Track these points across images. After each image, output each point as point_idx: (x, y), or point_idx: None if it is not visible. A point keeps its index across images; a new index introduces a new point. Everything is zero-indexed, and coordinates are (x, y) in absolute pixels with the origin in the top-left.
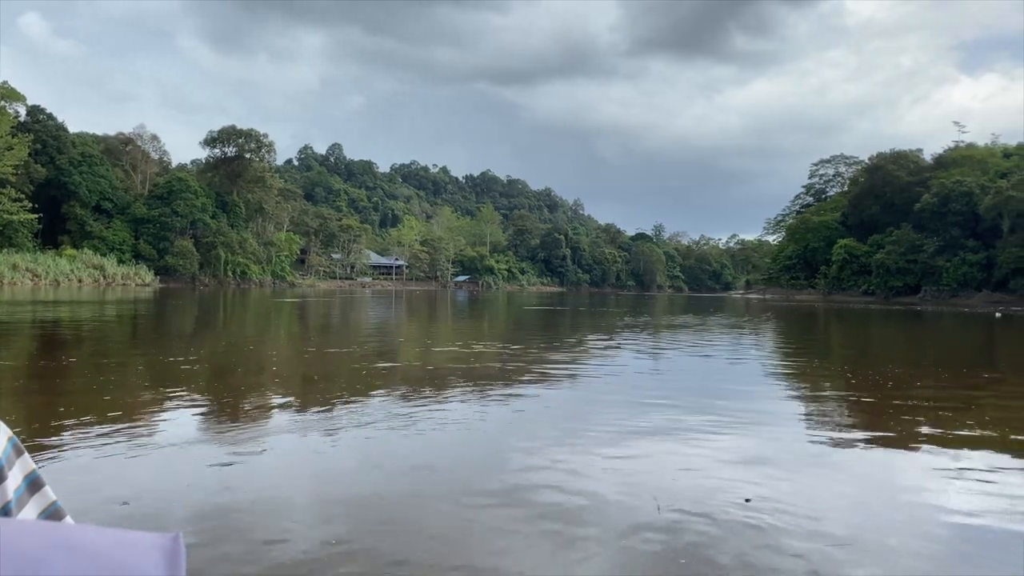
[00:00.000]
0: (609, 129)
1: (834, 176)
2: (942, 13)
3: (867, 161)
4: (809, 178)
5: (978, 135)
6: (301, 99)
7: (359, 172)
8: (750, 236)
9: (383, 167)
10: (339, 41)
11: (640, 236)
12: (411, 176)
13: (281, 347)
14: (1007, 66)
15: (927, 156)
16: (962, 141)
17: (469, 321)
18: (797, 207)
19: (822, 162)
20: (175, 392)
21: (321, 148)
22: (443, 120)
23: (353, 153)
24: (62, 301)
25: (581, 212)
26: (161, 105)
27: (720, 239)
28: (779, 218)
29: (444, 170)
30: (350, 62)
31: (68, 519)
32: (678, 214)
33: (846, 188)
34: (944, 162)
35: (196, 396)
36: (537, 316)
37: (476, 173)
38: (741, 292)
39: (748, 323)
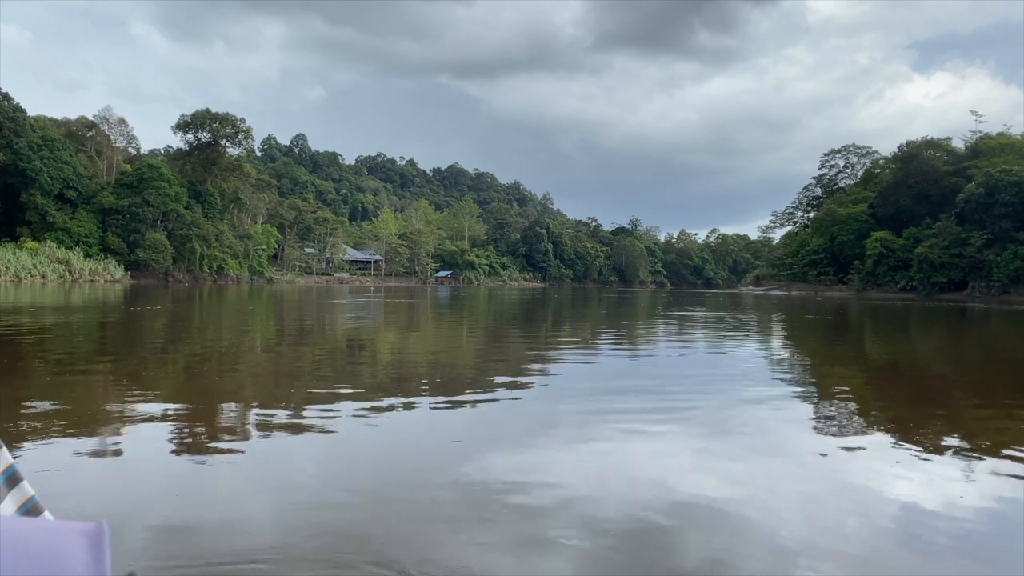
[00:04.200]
0: (570, 124)
1: (844, 167)
2: (899, 12)
3: (894, 151)
4: (819, 169)
5: (932, 131)
6: (259, 90)
7: (324, 164)
8: (728, 231)
9: (348, 160)
10: (299, 31)
11: (621, 230)
12: (377, 168)
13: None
14: (958, 65)
15: (957, 145)
16: (979, 131)
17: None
18: (807, 199)
19: (832, 152)
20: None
21: (282, 140)
22: (403, 114)
23: (314, 146)
24: (23, 306)
25: (550, 206)
26: (112, 95)
27: (697, 234)
28: (788, 211)
29: (411, 163)
30: (310, 53)
31: (47, 514)
32: (638, 210)
33: (859, 179)
34: (980, 151)
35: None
36: (554, 325)
37: (443, 167)
38: (761, 289)
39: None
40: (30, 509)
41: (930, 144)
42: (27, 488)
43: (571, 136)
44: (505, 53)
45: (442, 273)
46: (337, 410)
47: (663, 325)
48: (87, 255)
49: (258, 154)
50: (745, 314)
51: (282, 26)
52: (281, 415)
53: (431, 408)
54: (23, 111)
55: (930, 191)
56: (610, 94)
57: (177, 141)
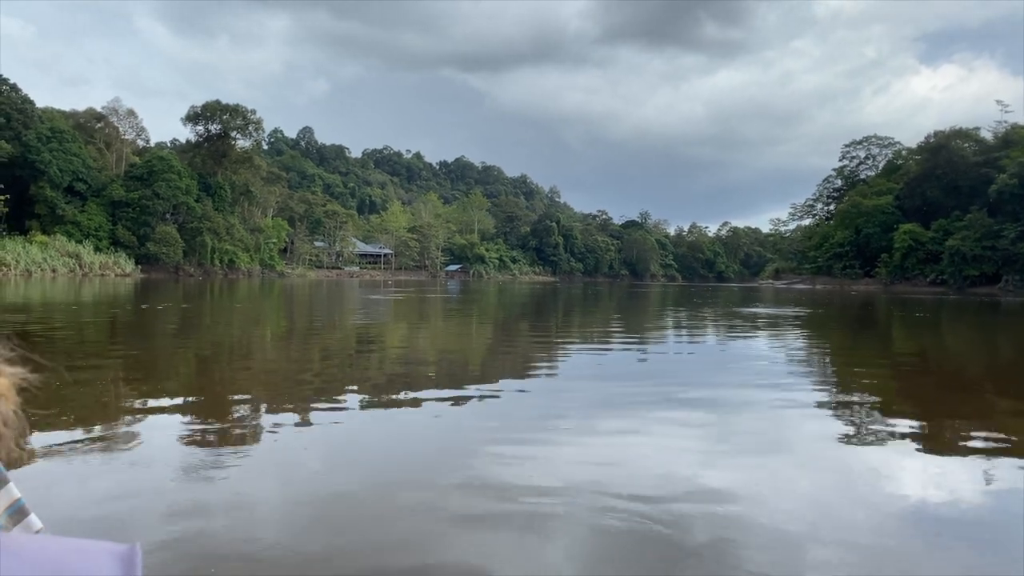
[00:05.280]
0: (574, 117)
1: (866, 158)
2: (907, 4)
3: (920, 142)
4: (839, 160)
5: (939, 124)
6: (263, 85)
7: (331, 157)
8: (736, 224)
9: (354, 153)
10: (304, 25)
11: (631, 223)
12: (384, 161)
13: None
14: (966, 57)
15: (985, 135)
16: (1005, 122)
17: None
18: (827, 191)
19: (853, 143)
20: None
21: (288, 134)
22: (408, 108)
23: (320, 140)
24: (33, 303)
25: (558, 200)
26: (116, 89)
27: (708, 227)
28: (808, 203)
29: (418, 156)
30: (315, 47)
31: (32, 517)
32: (643, 204)
33: (880, 170)
34: (1012, 140)
35: None
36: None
37: (449, 160)
38: (784, 283)
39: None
40: (16, 512)
41: (958, 134)
42: (13, 490)
43: (576, 129)
44: (510, 46)
45: (452, 267)
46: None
47: (770, 336)
48: (97, 249)
49: (265, 147)
50: (822, 311)
51: (287, 20)
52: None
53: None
54: (31, 102)
55: (959, 182)
56: (615, 87)
57: (186, 133)
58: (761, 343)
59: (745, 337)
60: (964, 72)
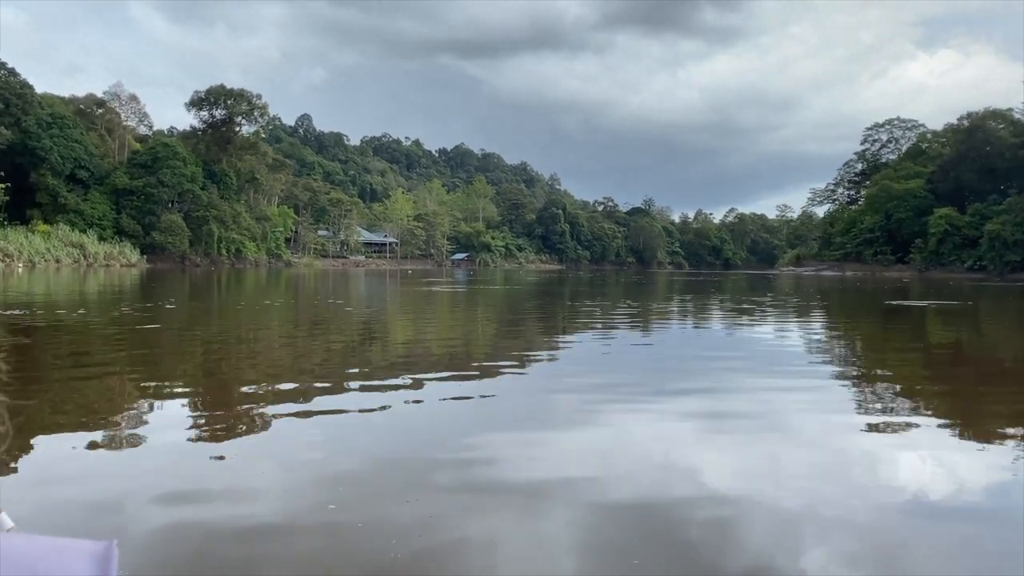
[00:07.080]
0: (572, 105)
1: (888, 141)
2: None
3: (951, 123)
4: (861, 144)
5: (936, 110)
6: (260, 72)
7: (330, 145)
8: (746, 210)
9: (353, 140)
10: (300, 12)
11: (637, 211)
12: (383, 149)
13: None
14: (963, 42)
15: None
16: None
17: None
18: (849, 175)
19: (876, 127)
20: None
21: (286, 122)
22: (406, 95)
23: (317, 127)
24: (37, 300)
25: (558, 187)
26: (112, 78)
27: (712, 213)
28: (828, 188)
29: (417, 143)
30: (311, 34)
31: (3, 516)
32: (642, 191)
33: (904, 153)
34: None
35: None
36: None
37: (448, 147)
38: (811, 269)
39: None
40: None
41: (992, 115)
42: None
43: (574, 116)
44: (508, 33)
45: (458, 256)
46: None
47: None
48: (101, 238)
49: (263, 136)
50: (971, 303)
51: (283, 7)
52: None
53: None
54: (31, 87)
55: (995, 164)
56: (613, 74)
57: (189, 120)
58: None
59: None
60: (961, 57)
